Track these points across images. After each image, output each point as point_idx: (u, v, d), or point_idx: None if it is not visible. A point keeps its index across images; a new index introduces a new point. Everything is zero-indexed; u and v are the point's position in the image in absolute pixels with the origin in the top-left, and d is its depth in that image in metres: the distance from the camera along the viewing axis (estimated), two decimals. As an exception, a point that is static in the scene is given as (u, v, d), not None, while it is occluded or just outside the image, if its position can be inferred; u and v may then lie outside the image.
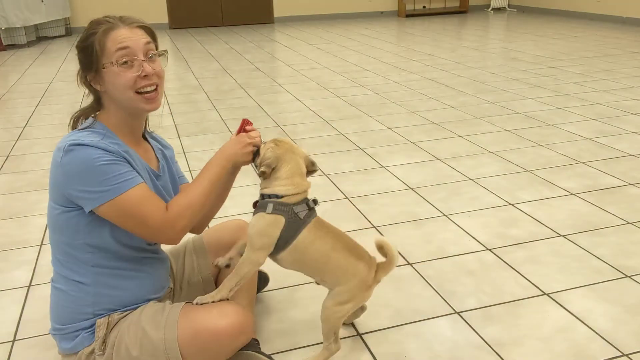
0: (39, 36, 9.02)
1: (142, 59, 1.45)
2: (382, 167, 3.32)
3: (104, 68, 1.44)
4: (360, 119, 4.29)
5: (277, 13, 10.66)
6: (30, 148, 3.83)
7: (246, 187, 3.08)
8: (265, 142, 1.63)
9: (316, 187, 3.05)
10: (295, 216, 1.56)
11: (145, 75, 1.45)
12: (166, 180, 1.66)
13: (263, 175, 1.58)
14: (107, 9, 9.75)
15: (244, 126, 1.65)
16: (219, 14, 10.39)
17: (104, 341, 1.48)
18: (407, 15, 11.07)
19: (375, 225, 2.60)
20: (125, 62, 1.43)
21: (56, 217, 1.46)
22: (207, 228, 1.85)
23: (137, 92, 1.46)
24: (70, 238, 1.47)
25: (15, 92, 5.51)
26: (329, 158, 3.48)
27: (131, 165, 1.46)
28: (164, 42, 8.52)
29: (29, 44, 8.47)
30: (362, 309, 1.87)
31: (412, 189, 3.00)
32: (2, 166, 3.52)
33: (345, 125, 4.15)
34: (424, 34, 8.74)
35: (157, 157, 1.66)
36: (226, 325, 1.48)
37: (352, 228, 2.58)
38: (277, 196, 1.56)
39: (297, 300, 2.05)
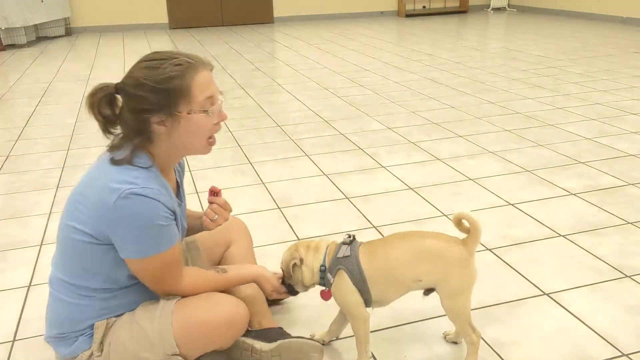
0: (38, 36, 9.02)
1: (220, 108, 1.46)
2: (382, 167, 3.32)
3: (189, 114, 1.40)
4: (360, 119, 4.29)
5: (277, 13, 10.66)
6: (30, 148, 3.83)
7: (245, 187, 3.08)
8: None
9: (316, 187, 3.05)
10: (345, 259, 1.61)
11: (218, 122, 1.46)
12: (183, 206, 1.66)
13: (290, 278, 1.66)
14: (107, 9, 9.75)
15: (211, 195, 1.73)
16: (219, 14, 10.39)
17: (102, 342, 1.48)
18: (407, 15, 11.06)
19: (375, 225, 2.60)
20: (207, 111, 1.42)
21: (81, 244, 1.42)
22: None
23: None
24: (89, 265, 1.45)
25: (15, 92, 5.51)
26: (329, 158, 3.48)
27: (174, 214, 1.47)
28: (164, 42, 8.53)
29: (29, 44, 8.47)
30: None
31: (412, 189, 3.00)
32: (2, 166, 3.52)
33: (345, 125, 4.15)
34: (424, 34, 8.74)
35: (176, 181, 1.64)
36: (219, 314, 1.50)
37: (352, 228, 2.58)
38: (322, 269, 1.63)
39: (298, 300, 2.05)
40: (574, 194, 2.88)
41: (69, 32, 9.53)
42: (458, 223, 1.59)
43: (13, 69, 6.71)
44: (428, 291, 1.65)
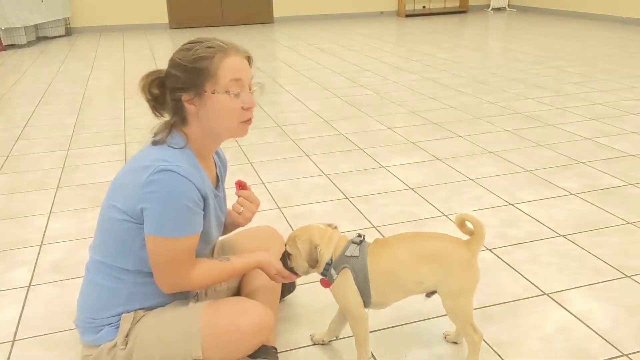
0: (38, 36, 9.03)
1: (249, 92, 1.50)
2: (382, 167, 3.32)
3: (213, 93, 1.45)
4: (360, 119, 4.29)
5: (277, 13, 10.66)
6: (30, 148, 3.83)
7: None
8: (285, 248, 1.67)
9: (316, 187, 3.05)
10: (352, 259, 1.59)
11: (247, 107, 1.50)
12: (221, 198, 1.67)
13: (315, 265, 1.63)
14: (107, 9, 9.75)
15: (240, 188, 1.73)
16: (219, 14, 10.39)
17: (127, 335, 1.49)
18: (407, 15, 11.07)
19: (375, 225, 2.61)
20: (229, 92, 1.46)
21: (118, 222, 1.46)
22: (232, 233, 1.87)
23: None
24: (124, 244, 1.48)
25: (15, 92, 5.52)
26: (329, 158, 3.48)
27: (204, 201, 1.49)
28: (164, 42, 8.53)
29: (29, 44, 8.47)
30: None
31: (412, 189, 3.00)
32: (2, 166, 3.52)
33: (345, 125, 4.15)
34: (424, 34, 8.74)
35: (216, 174, 1.67)
36: (247, 323, 1.51)
37: (352, 228, 2.58)
38: (328, 263, 1.61)
39: (298, 299, 2.05)
40: (574, 194, 2.88)
41: (69, 32, 9.54)
42: (461, 224, 1.58)
43: (13, 69, 6.72)
44: (430, 294, 1.64)
